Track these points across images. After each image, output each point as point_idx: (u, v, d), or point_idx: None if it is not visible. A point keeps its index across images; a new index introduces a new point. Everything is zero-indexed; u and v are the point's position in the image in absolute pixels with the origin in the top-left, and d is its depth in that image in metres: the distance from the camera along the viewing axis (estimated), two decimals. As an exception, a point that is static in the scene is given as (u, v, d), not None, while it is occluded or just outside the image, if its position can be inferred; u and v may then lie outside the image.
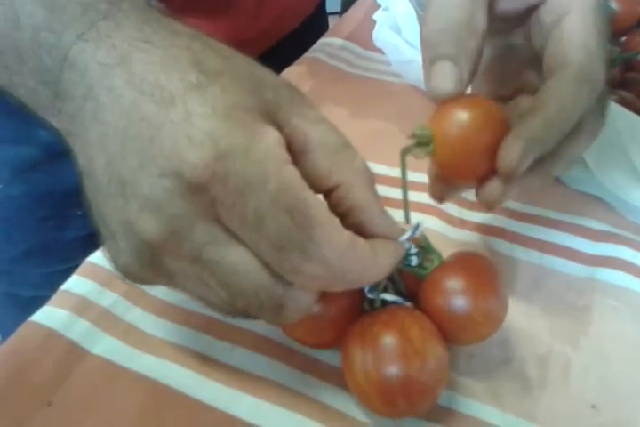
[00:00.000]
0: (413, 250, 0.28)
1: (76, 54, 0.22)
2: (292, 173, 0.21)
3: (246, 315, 0.24)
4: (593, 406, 0.31)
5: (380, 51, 0.55)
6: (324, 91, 0.52)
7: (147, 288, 0.34)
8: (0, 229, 0.56)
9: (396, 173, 0.43)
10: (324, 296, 0.28)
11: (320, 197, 0.24)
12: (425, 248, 0.29)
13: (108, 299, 0.33)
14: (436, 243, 0.30)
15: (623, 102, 0.42)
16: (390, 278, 0.29)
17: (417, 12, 0.49)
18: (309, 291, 0.24)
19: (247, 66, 0.24)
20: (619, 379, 0.32)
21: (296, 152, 0.23)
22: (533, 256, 0.38)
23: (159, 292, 0.34)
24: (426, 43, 0.29)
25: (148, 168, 0.21)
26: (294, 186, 0.21)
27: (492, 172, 0.28)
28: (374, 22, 0.54)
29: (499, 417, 0.30)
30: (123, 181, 0.22)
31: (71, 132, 0.24)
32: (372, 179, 0.25)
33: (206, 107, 0.21)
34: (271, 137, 0.21)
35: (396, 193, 0.42)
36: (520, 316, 0.35)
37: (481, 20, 0.29)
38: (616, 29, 0.55)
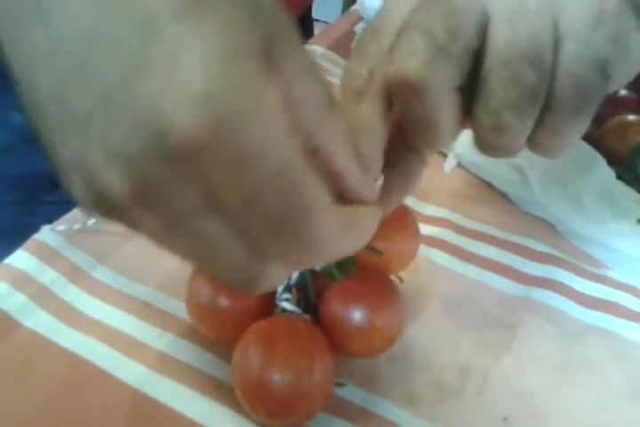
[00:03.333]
0: None
1: None
2: (294, 147, 0.18)
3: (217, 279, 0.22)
4: (504, 419, 0.32)
5: (358, 62, 0.56)
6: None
7: (87, 269, 0.35)
8: (-31, 210, 0.57)
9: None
10: (234, 294, 0.29)
11: None
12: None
13: (48, 276, 0.34)
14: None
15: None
16: (300, 286, 0.30)
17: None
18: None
19: None
20: (534, 394, 0.33)
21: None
22: (471, 271, 0.40)
23: (99, 274, 0.35)
24: None
25: (119, 110, 0.16)
26: (295, 164, 0.18)
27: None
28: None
29: (411, 421, 0.31)
30: (81, 114, 0.17)
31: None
32: (353, 143, 0.22)
33: (199, 47, 0.16)
34: (274, 99, 0.17)
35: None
36: (448, 326, 0.36)
37: None
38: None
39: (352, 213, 0.22)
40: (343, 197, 0.23)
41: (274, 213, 0.18)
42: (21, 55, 0.18)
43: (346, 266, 0.30)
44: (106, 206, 0.19)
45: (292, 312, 0.29)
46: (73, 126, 0.18)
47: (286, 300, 0.29)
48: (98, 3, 0.16)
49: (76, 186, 0.19)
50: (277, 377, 0.26)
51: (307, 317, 0.29)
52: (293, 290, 0.29)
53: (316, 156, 0.21)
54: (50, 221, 0.58)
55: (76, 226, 0.38)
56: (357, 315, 0.28)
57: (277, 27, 0.18)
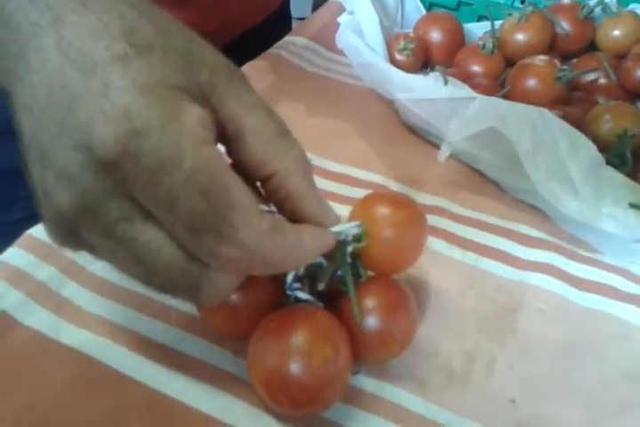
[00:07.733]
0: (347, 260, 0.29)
1: (9, 12, 0.22)
2: (210, 153, 0.21)
3: (165, 292, 0.23)
4: (512, 401, 0.32)
5: (342, 53, 0.56)
6: (283, 87, 0.53)
7: (84, 264, 0.34)
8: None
9: (345, 170, 0.45)
10: (244, 288, 0.28)
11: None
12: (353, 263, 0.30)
13: (45, 272, 0.33)
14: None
15: (567, 118, 0.44)
16: (311, 277, 0.29)
17: (380, 17, 0.51)
18: (229, 274, 0.23)
19: (185, 41, 0.23)
20: (539, 376, 0.33)
21: (232, 137, 0.23)
22: (469, 258, 0.40)
23: (97, 269, 0.34)
24: None
25: (64, 139, 0.20)
26: (211, 167, 0.20)
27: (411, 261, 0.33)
28: (339, 25, 0.55)
29: (422, 406, 0.31)
30: (42, 150, 0.21)
31: (8, 91, 0.23)
32: (309, 167, 0.25)
33: (126, 80, 0.20)
34: (191, 115, 0.21)
35: (343, 189, 0.43)
36: (451, 313, 0.36)
37: None
38: (567, 51, 0.58)
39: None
40: (297, 219, 0.25)
41: (195, 211, 0.20)
42: (16, 103, 0.22)
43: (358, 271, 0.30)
44: (61, 225, 0.22)
45: (305, 301, 0.28)
46: (35, 158, 0.22)
47: (298, 289, 0.28)
48: (62, 55, 0.21)
49: (42, 209, 0.22)
50: (304, 366, 0.26)
51: (320, 304, 0.29)
52: (304, 280, 0.29)
53: (271, 180, 0.24)
54: (27, 215, 0.57)
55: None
56: (376, 327, 0.29)
57: (217, 75, 0.23)
